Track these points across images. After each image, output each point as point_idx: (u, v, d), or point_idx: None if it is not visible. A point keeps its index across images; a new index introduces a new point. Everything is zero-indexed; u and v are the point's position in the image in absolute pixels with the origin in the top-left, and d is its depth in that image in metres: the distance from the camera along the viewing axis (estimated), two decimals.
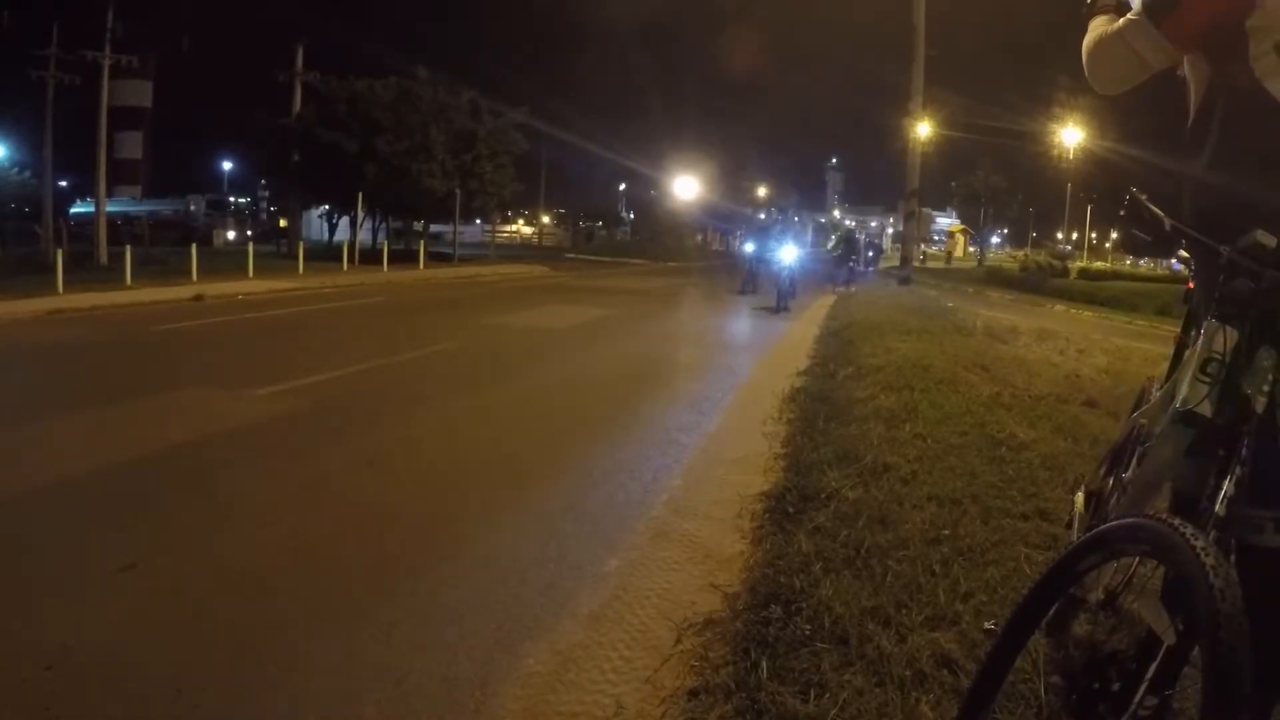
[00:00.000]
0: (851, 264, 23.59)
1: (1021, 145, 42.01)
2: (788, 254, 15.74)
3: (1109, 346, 10.50)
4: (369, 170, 26.53)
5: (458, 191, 28.99)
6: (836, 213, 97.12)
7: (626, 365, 8.84)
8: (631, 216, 65.79)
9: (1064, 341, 10.64)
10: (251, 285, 16.14)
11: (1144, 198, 1.47)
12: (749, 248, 19.69)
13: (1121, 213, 1.46)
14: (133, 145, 51.88)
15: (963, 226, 73.15)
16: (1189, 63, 1.75)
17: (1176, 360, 2.12)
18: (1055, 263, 39.56)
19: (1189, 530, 1.22)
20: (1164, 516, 1.29)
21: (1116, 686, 1.53)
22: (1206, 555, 1.17)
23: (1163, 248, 1.47)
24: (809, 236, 25.55)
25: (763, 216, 20.63)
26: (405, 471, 4.65)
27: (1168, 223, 1.43)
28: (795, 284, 15.84)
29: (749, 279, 18.46)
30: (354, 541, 3.57)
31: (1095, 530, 1.50)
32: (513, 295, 17.51)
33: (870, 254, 31.76)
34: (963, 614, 2.56)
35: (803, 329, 12.12)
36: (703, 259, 43.15)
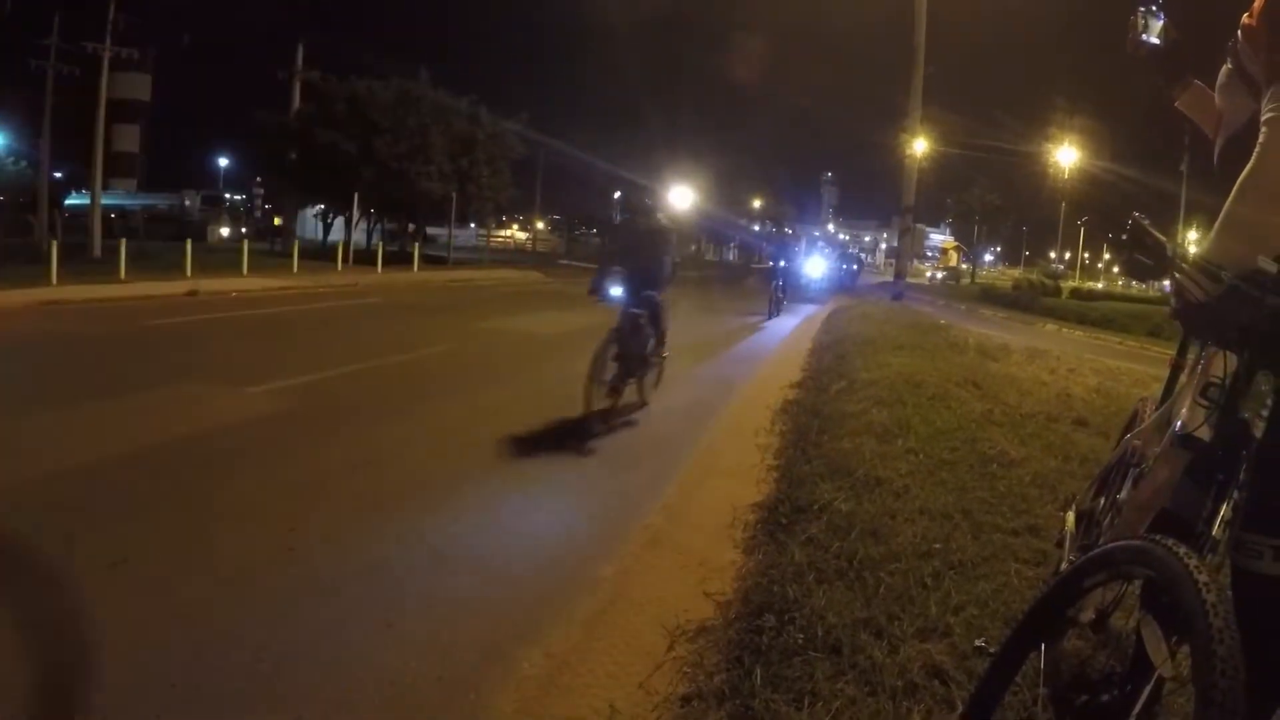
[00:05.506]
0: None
1: (1017, 164, 42.39)
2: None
3: (1100, 366, 10.57)
4: (366, 171, 26.43)
5: (454, 195, 28.94)
6: (830, 226, 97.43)
7: None
8: None
9: (1055, 360, 10.70)
10: (245, 282, 16.08)
11: (1146, 222, 1.49)
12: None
13: (1124, 237, 1.48)
14: (130, 138, 51.69)
15: (956, 243, 73.46)
16: (1226, 96, 1.76)
17: (1172, 383, 2.15)
18: (1047, 282, 39.73)
19: (1194, 561, 1.24)
20: (1169, 542, 1.30)
21: (1106, 698, 1.55)
22: (1208, 591, 1.19)
23: (1164, 272, 1.48)
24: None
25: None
26: (399, 473, 4.65)
27: (1169, 247, 1.45)
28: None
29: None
30: (347, 541, 3.57)
31: (1101, 549, 1.51)
32: (506, 300, 17.50)
33: (853, 268, 30.15)
34: (954, 626, 2.59)
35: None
36: (696, 269, 43.22)
